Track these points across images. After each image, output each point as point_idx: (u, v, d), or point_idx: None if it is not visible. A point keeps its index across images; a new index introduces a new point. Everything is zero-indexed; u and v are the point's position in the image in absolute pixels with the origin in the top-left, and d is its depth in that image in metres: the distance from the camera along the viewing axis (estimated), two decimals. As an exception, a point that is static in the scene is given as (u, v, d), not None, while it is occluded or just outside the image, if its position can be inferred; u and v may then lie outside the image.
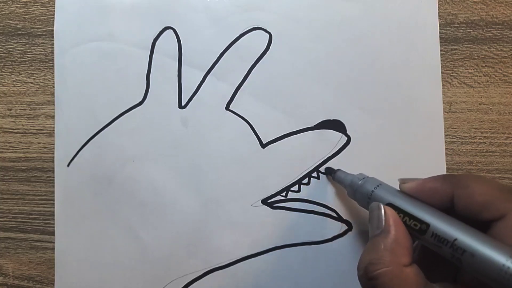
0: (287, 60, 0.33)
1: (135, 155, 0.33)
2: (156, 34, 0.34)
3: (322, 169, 0.33)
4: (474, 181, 0.22)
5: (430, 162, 0.33)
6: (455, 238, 0.21)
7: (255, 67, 0.33)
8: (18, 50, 0.34)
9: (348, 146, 0.33)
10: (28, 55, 0.34)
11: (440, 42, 0.33)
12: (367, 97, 0.33)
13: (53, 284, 0.33)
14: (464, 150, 0.33)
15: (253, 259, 0.32)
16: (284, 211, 0.33)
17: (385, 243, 0.22)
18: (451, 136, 0.33)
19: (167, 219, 0.33)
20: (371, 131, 0.33)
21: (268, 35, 0.34)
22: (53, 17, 0.34)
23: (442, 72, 0.33)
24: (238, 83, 0.33)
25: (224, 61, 0.33)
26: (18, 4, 0.35)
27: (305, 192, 0.33)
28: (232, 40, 0.34)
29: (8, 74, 0.34)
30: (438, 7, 0.34)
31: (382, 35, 0.33)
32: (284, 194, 0.33)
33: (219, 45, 0.34)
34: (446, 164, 0.33)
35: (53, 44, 0.34)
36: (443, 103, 0.33)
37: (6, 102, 0.34)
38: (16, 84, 0.34)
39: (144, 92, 0.34)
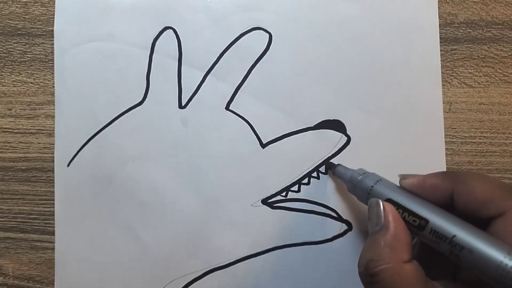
0: (287, 60, 0.33)
1: (135, 155, 0.33)
2: (156, 34, 0.34)
3: (322, 168, 0.33)
4: (474, 178, 0.22)
5: (430, 162, 0.33)
6: (453, 234, 0.21)
7: (255, 67, 0.33)
8: (18, 50, 0.34)
9: (348, 146, 0.33)
10: (28, 55, 0.34)
11: (440, 42, 0.34)
12: (367, 97, 0.33)
13: (53, 284, 0.33)
14: (464, 150, 0.33)
15: (253, 259, 0.32)
16: (284, 211, 0.33)
17: (385, 240, 0.22)
18: (451, 136, 0.33)
19: (167, 219, 0.33)
20: (371, 131, 0.33)
21: (268, 35, 0.34)
22: (53, 17, 0.34)
23: (442, 72, 0.33)
24: (238, 83, 0.33)
25: (224, 61, 0.33)
26: (18, 4, 0.35)
27: (305, 192, 0.33)
28: (232, 40, 0.34)
29: (8, 74, 0.34)
30: (438, 7, 0.34)
31: (382, 35, 0.33)
32: (284, 194, 0.33)
33: (219, 45, 0.34)
34: (446, 164, 0.33)
35: (53, 44, 0.34)
36: (443, 103, 0.33)
37: (6, 102, 0.34)
38: (16, 84, 0.34)
39: (144, 92, 0.34)
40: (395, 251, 0.21)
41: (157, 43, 0.34)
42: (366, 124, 0.33)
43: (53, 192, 0.34)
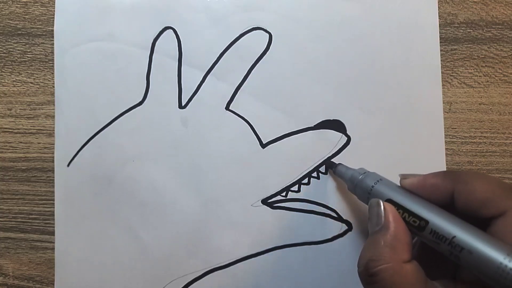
0: (287, 60, 0.33)
1: (135, 155, 0.33)
2: (156, 34, 0.34)
3: (322, 168, 0.33)
4: (474, 178, 0.22)
5: (430, 162, 0.33)
6: (453, 235, 0.21)
7: (255, 67, 0.33)
8: (18, 50, 0.34)
9: (348, 146, 0.33)
10: (28, 55, 0.34)
11: (440, 42, 0.33)
12: (367, 97, 0.33)
13: (53, 284, 0.33)
14: (464, 150, 0.33)
15: (253, 259, 0.32)
16: (284, 211, 0.33)
17: (385, 240, 0.22)
18: (451, 136, 0.33)
19: (167, 219, 0.33)
20: (371, 131, 0.33)
21: (268, 35, 0.34)
22: (53, 17, 0.34)
23: (442, 72, 0.33)
24: (238, 83, 0.33)
25: (224, 61, 0.33)
26: (18, 4, 0.35)
27: (305, 192, 0.33)
28: (232, 40, 0.34)
29: (8, 74, 0.34)
30: (438, 7, 0.34)
31: (382, 35, 0.33)
32: (284, 194, 0.33)
33: (219, 45, 0.34)
34: (446, 164, 0.33)
35: (53, 44, 0.34)
36: (443, 103, 0.33)
37: (6, 102, 0.34)
38: (16, 84, 0.34)
39: (144, 92, 0.34)
40: (395, 251, 0.21)
41: (157, 43, 0.34)
42: (366, 124, 0.33)
43: (53, 192, 0.34)
